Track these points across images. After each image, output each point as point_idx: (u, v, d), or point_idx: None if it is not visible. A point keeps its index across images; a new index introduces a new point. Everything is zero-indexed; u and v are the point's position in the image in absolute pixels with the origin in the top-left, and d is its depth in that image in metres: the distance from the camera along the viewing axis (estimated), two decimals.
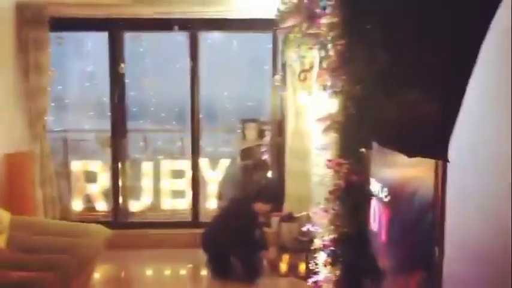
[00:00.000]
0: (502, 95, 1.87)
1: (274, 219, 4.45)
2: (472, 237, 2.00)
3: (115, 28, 4.55)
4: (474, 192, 1.98)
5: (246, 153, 5.35)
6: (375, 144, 1.86)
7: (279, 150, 4.79)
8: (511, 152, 1.68)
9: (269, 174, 4.88)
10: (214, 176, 5.06)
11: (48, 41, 4.30)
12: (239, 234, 3.88)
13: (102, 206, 4.92)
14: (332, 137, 1.94)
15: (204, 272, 4.10)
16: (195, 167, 4.77)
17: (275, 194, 4.22)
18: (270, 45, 4.67)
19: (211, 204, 5.02)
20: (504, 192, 1.91)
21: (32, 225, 3.38)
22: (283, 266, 3.96)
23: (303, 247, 3.86)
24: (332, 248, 1.92)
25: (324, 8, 1.95)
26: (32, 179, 4.15)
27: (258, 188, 4.18)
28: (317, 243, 2.09)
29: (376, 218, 2.65)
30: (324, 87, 1.99)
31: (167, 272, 4.14)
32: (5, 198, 3.95)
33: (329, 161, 1.86)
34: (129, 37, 4.70)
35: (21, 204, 3.89)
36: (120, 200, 4.73)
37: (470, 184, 1.97)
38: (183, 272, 4.19)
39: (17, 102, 4.29)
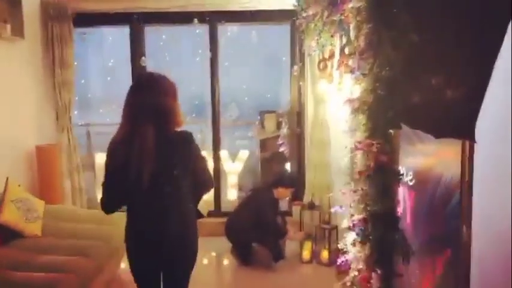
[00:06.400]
0: None
1: (296, 208, 4.52)
2: (500, 216, 2.03)
3: (135, 22, 4.63)
4: (502, 172, 2.01)
5: (265, 144, 5.42)
6: (403, 126, 1.90)
7: (298, 140, 4.84)
8: None
9: (288, 164, 4.93)
10: (234, 167, 5.14)
11: (72, 37, 4.41)
12: (261, 222, 3.95)
13: None
14: (360, 119, 1.98)
15: (226, 260, 4.18)
16: (216, 158, 4.84)
17: (294, 179, 4.29)
18: (288, 36, 4.72)
19: (232, 194, 5.10)
20: None
21: (65, 214, 3.49)
22: (306, 253, 4.02)
23: (324, 234, 3.93)
24: (361, 227, 1.97)
25: None
26: (60, 169, 4.28)
27: (278, 176, 4.23)
28: (345, 223, 2.15)
29: (401, 201, 2.69)
30: (351, 71, 2.03)
31: None
32: (36, 188, 4.10)
33: (359, 142, 1.91)
34: (149, 30, 4.78)
35: (51, 194, 4.01)
36: None
37: (497, 163, 2.00)
38: (206, 260, 4.27)
39: (45, 96, 4.43)
